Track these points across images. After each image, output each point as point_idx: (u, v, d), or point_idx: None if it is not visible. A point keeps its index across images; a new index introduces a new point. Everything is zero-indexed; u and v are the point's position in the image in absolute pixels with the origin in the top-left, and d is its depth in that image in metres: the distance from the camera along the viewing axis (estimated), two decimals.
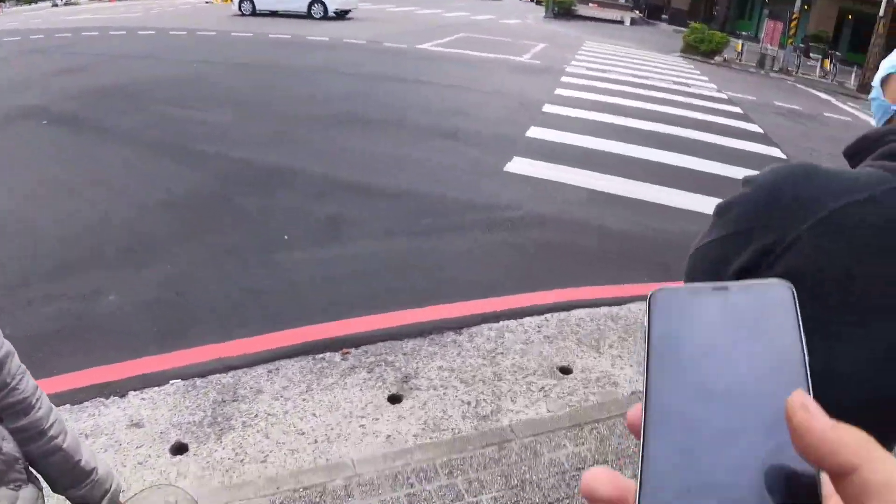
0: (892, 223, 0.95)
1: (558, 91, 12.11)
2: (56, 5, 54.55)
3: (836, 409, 0.99)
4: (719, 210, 1.09)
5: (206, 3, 42.65)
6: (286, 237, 5.22)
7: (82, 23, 29.49)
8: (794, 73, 22.71)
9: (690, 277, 1.13)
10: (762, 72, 22.38)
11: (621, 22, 39.64)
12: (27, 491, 1.37)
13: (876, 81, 1.17)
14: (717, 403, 0.31)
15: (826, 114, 14.37)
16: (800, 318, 0.33)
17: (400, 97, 10.95)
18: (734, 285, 0.34)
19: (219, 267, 4.77)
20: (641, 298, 4.29)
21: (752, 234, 1.02)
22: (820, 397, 0.30)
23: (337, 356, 3.54)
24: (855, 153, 1.11)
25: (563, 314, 4.01)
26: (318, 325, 3.91)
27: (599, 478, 0.33)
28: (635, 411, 0.32)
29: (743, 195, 1.05)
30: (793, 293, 0.34)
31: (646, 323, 0.34)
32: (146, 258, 4.97)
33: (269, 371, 3.43)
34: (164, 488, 1.86)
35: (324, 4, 26.40)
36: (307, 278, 4.54)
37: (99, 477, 1.47)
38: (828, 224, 0.96)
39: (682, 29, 28.60)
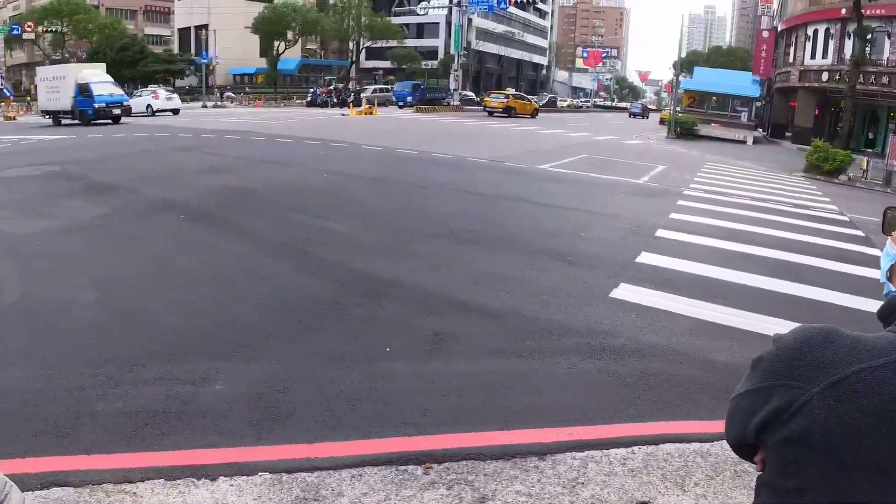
0: None
1: (673, 215, 12.16)
2: (205, 106, 59.47)
3: None
4: (753, 362, 1.15)
5: (342, 115, 45.22)
6: (388, 349, 5.46)
7: (227, 126, 31.90)
8: None
9: (728, 423, 1.20)
10: (888, 190, 21.57)
11: (744, 141, 39.48)
12: None
13: (882, 276, 1.22)
14: None
15: None
16: None
17: (516, 217, 11.29)
18: None
19: (321, 370, 5.04)
20: None
21: (771, 392, 1.07)
22: None
23: (420, 469, 3.67)
24: (887, 315, 1.15)
25: (651, 448, 4.01)
26: (406, 437, 4.06)
27: None
28: None
29: (769, 352, 1.11)
30: None
31: None
32: (254, 353, 5.35)
33: (353, 476, 3.59)
34: None
35: None
36: (404, 390, 4.72)
37: None
38: (840, 388, 1.00)
39: (806, 147, 28.18)
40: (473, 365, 5.19)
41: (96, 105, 35.43)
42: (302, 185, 14.14)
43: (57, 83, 37.54)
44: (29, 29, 67.96)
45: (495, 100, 52.21)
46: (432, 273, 7.66)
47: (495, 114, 49.58)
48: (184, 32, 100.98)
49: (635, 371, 5.23)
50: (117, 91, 38.69)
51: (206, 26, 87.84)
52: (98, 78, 37.77)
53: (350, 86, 79.83)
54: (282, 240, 9.18)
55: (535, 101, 59.56)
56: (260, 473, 3.60)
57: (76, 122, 36.00)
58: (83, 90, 35.77)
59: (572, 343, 5.71)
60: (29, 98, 74.18)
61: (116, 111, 36.44)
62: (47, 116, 39.45)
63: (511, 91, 64.18)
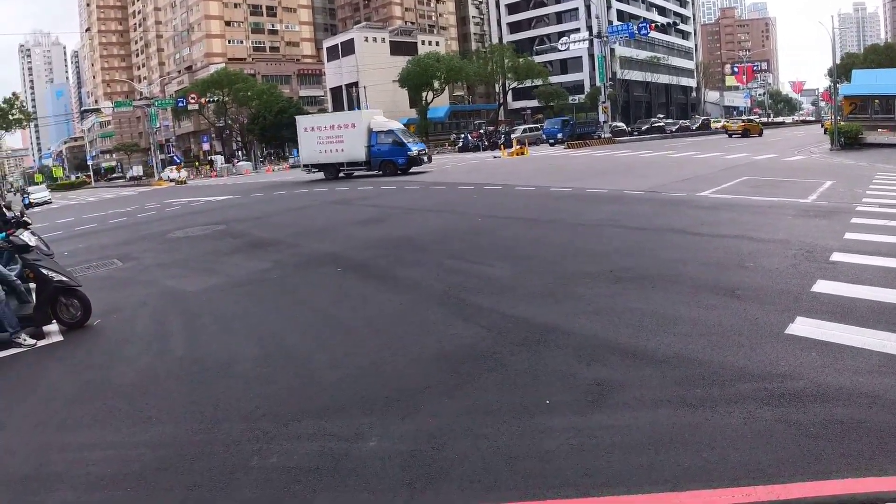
0: None
1: (848, 235, 11.25)
2: None
3: None
4: None
5: (494, 157, 45.71)
6: (548, 401, 5.28)
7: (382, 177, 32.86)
8: None
9: None
10: None
11: None
12: None
13: None
14: None
15: None
16: None
17: (677, 250, 10.83)
18: None
19: (477, 425, 4.94)
20: None
21: None
22: None
23: None
24: None
25: None
26: (566, 500, 3.89)
27: None
28: None
29: None
30: None
31: None
32: (410, 408, 5.35)
33: None
34: None
35: None
36: (564, 447, 4.52)
37: None
38: None
39: None
40: (638, 417, 4.91)
41: (411, 153, 34.38)
42: (457, 231, 14.28)
43: (339, 132, 35.67)
44: (193, 101, 73.68)
45: (734, 124, 68.41)
46: (593, 317, 7.42)
47: (734, 135, 61.84)
48: (336, 91, 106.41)
49: (818, 419, 4.75)
50: (416, 138, 38.15)
51: (356, 84, 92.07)
52: (396, 125, 36.68)
53: (500, 128, 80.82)
54: (438, 288, 9.23)
55: (759, 123, 74.20)
56: None
57: (369, 172, 35.14)
58: (386, 138, 34.58)
59: (747, 389, 5.29)
60: (197, 163, 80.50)
61: (424, 158, 35.59)
62: (313, 170, 37.89)
63: (745, 118, 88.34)
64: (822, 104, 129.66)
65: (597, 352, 6.32)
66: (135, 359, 7.44)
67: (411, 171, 34.98)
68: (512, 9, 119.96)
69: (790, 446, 4.38)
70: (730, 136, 62.26)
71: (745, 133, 61.93)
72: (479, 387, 5.69)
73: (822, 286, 8.15)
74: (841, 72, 52.20)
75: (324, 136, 36.11)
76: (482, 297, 8.58)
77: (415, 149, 34.61)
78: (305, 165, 38.39)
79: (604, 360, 6.12)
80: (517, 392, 5.53)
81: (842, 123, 39.37)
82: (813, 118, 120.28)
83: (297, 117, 41.06)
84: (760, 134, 63.97)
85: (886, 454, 4.23)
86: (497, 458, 4.42)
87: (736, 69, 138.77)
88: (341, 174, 36.16)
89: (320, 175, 37.35)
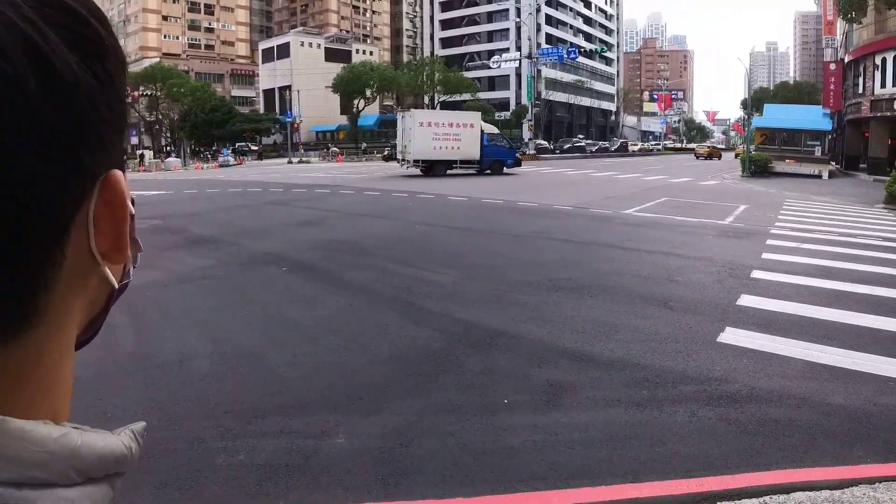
0: None
1: (766, 255, 12.05)
2: (290, 162, 62.34)
3: None
4: None
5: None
6: (506, 401, 5.55)
7: (314, 180, 32.83)
8: None
9: None
10: None
11: (819, 176, 39.21)
12: None
13: None
14: None
15: None
16: None
17: (610, 263, 11.36)
18: None
19: (442, 423, 5.12)
20: (865, 482, 4.19)
21: None
22: None
23: None
24: None
25: (782, 497, 3.98)
26: (538, 492, 4.13)
27: None
28: None
29: None
30: None
31: None
32: (373, 406, 5.46)
33: None
34: None
35: None
36: (528, 443, 4.78)
37: None
38: None
39: (882, 178, 27.61)
40: (592, 416, 5.24)
41: (517, 155, 39.55)
42: (396, 237, 14.47)
43: (457, 131, 36.48)
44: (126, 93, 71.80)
45: (701, 149, 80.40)
46: (538, 322, 7.75)
47: (700, 158, 73.39)
48: (268, 93, 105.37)
49: (755, 418, 5.21)
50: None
51: (289, 87, 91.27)
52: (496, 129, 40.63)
53: None
54: (385, 291, 9.39)
55: (720, 149, 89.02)
56: None
57: (476, 171, 37.35)
58: (497, 141, 38.05)
59: (688, 391, 5.72)
60: (125, 157, 78.76)
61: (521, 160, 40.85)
62: (408, 165, 37.14)
63: (710, 143, 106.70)
64: (733, 133, 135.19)
65: (546, 355, 6.65)
66: (80, 352, 7.28)
67: (502, 172, 38.54)
68: (445, 25, 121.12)
69: (732, 442, 4.80)
70: (697, 158, 73.64)
71: (709, 156, 74.31)
72: (438, 386, 5.90)
73: (747, 300, 8.76)
74: (753, 105, 54.87)
75: (440, 133, 36.21)
76: (429, 300, 8.80)
77: (518, 152, 40.83)
78: (416, 161, 36.52)
79: (554, 362, 6.44)
80: (475, 392, 5.77)
81: (753, 152, 41.38)
82: (723, 146, 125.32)
83: (413, 110, 40.21)
84: (720, 157, 75.55)
85: (817, 448, 4.70)
86: (465, 455, 4.61)
87: (656, 96, 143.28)
88: (448, 171, 36.90)
89: (414, 171, 37.23)
